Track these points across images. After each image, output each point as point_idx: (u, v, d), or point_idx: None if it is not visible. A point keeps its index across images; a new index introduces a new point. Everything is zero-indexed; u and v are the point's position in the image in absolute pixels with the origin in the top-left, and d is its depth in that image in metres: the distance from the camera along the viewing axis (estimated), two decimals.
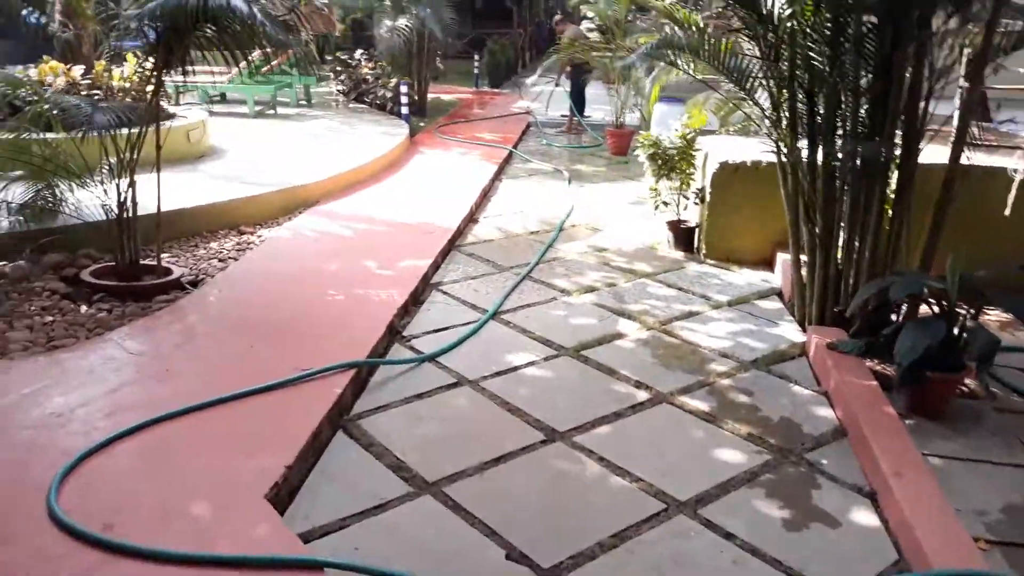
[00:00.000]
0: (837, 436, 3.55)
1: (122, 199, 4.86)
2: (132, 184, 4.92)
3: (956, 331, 3.75)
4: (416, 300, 5.03)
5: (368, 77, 12.37)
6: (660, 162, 6.24)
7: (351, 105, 12.56)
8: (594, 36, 11.35)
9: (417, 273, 5.29)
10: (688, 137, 6.21)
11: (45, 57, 7.74)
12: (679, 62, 4.95)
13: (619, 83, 10.28)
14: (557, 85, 12.15)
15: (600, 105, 12.75)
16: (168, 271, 5.13)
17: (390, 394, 3.79)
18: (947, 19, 4.06)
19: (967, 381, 3.91)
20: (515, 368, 4.13)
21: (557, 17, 13.12)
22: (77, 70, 7.32)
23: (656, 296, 5.27)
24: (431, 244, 5.96)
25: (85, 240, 5.32)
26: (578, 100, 11.91)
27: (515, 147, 10.50)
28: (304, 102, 12.55)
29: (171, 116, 8.02)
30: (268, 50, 5.28)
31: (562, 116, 12.83)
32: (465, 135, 11.09)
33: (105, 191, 4.91)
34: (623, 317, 4.87)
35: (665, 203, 6.36)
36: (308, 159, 8.14)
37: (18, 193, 5.13)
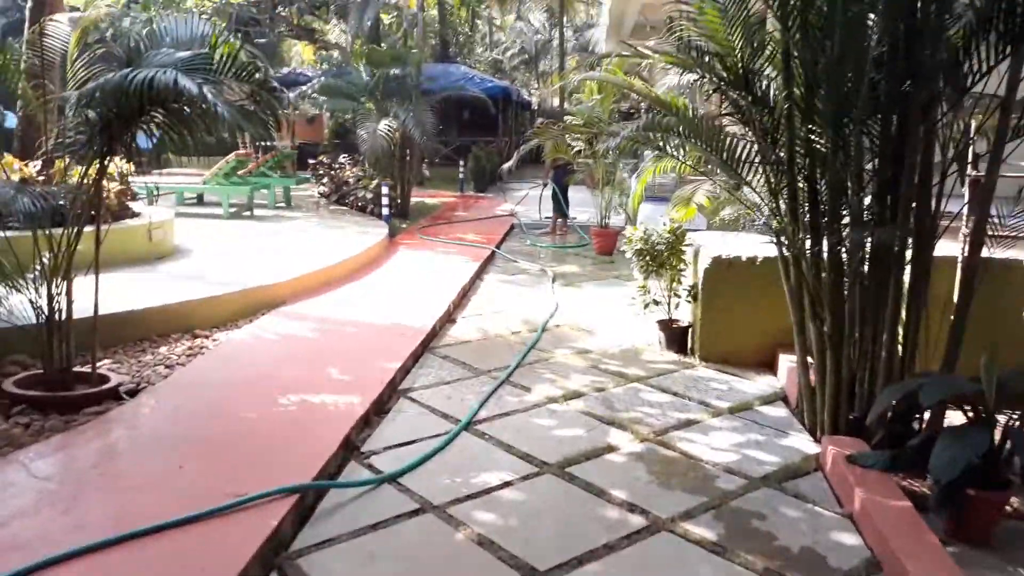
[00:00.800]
0: (871, 570, 2.97)
1: (52, 300, 4.37)
2: (68, 283, 4.44)
3: (997, 441, 3.24)
4: (380, 409, 4.48)
5: (350, 179, 12.17)
6: (649, 258, 5.83)
7: (331, 207, 12.31)
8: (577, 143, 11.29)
9: (383, 378, 4.77)
10: (677, 232, 5.83)
11: (6, 155, 7.41)
12: (668, 147, 4.61)
13: (603, 184, 10.05)
14: (545, 186, 11.90)
15: (584, 207, 12.54)
16: (103, 379, 4.59)
17: (339, 525, 3.20)
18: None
19: (1013, 499, 3.37)
20: (489, 490, 3.56)
21: (540, 121, 13.05)
22: (34, 167, 6.97)
23: (650, 403, 4.74)
24: (402, 346, 5.46)
25: (15, 345, 4.80)
26: (561, 201, 11.68)
27: (498, 247, 10.17)
28: (283, 204, 12.28)
29: (133, 214, 7.65)
30: (234, 137, 4.89)
31: (546, 218, 12.60)
32: (448, 235, 10.77)
33: (37, 291, 4.42)
34: (614, 427, 4.33)
35: (656, 302, 5.92)
36: (279, 259, 7.73)
37: None
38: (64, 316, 4.44)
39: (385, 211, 10.91)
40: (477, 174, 17.68)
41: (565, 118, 24.98)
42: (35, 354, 4.72)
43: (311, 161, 14.05)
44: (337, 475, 3.66)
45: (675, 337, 5.84)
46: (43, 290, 4.40)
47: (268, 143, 12.45)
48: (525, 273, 8.79)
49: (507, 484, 3.62)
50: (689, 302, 5.81)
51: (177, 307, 5.77)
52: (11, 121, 15.90)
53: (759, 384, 5.10)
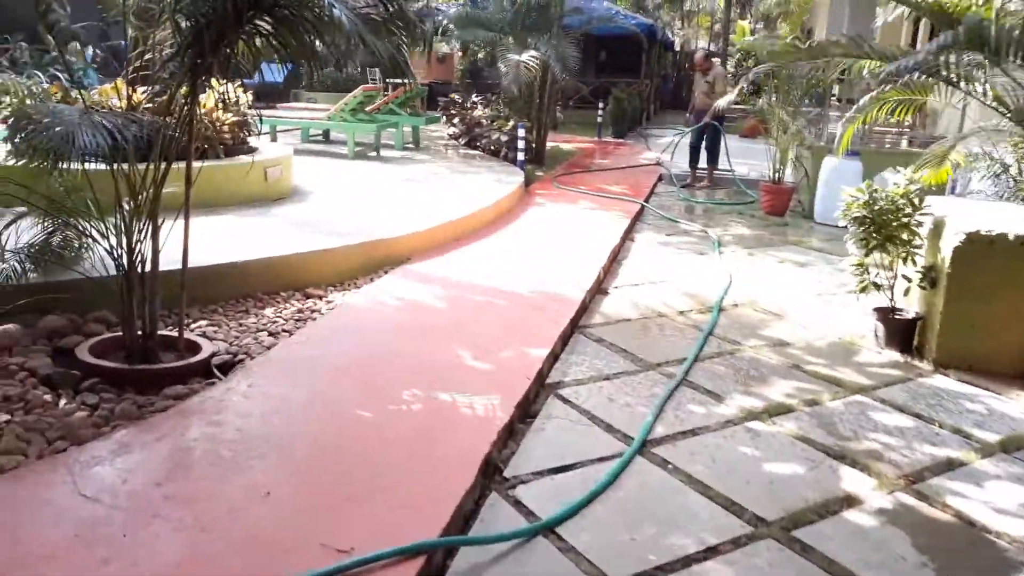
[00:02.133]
0: None
1: (133, 249, 3.55)
2: (153, 227, 3.61)
3: None
4: (525, 413, 3.46)
5: (482, 120, 11.12)
6: (873, 228, 4.49)
7: (462, 150, 11.33)
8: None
9: (529, 370, 3.74)
10: (914, 197, 4.45)
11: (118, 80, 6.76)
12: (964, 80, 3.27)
13: (778, 132, 8.57)
14: (699, 132, 10.37)
15: (742, 159, 11.05)
16: (195, 347, 3.78)
17: None
18: None
19: None
20: (688, 560, 2.48)
21: (700, 53, 11.42)
22: (144, 93, 6.24)
23: (885, 427, 3.51)
24: (547, 324, 4.42)
25: (99, 301, 4.05)
26: (714, 150, 10.21)
27: (647, 201, 8.92)
28: (411, 145, 11.40)
29: (250, 150, 6.88)
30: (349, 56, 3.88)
31: (697, 169, 11.16)
32: (588, 186, 9.59)
33: (117, 238, 3.62)
34: (844, 464, 3.14)
35: (876, 285, 4.59)
36: (405, 207, 6.80)
37: (29, 233, 3.93)
38: (148, 268, 3.62)
39: (520, 156, 9.83)
40: (617, 118, 16.23)
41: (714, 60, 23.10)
42: (119, 312, 3.96)
43: (441, 100, 13.08)
44: (474, 513, 2.67)
45: (898, 331, 4.53)
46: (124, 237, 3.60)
47: (398, 80, 11.55)
48: (684, 234, 7.53)
49: (712, 551, 2.53)
50: (923, 287, 4.46)
51: (287, 260, 4.91)
52: None
53: None
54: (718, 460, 3.12)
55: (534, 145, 11.31)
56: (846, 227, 7.90)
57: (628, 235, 7.19)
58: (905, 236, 4.43)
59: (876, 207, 4.48)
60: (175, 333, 3.84)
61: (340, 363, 3.75)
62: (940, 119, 9.35)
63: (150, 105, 6.06)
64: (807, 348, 4.50)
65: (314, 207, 6.59)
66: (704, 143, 10.01)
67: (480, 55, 18.08)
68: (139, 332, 3.68)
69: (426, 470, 2.78)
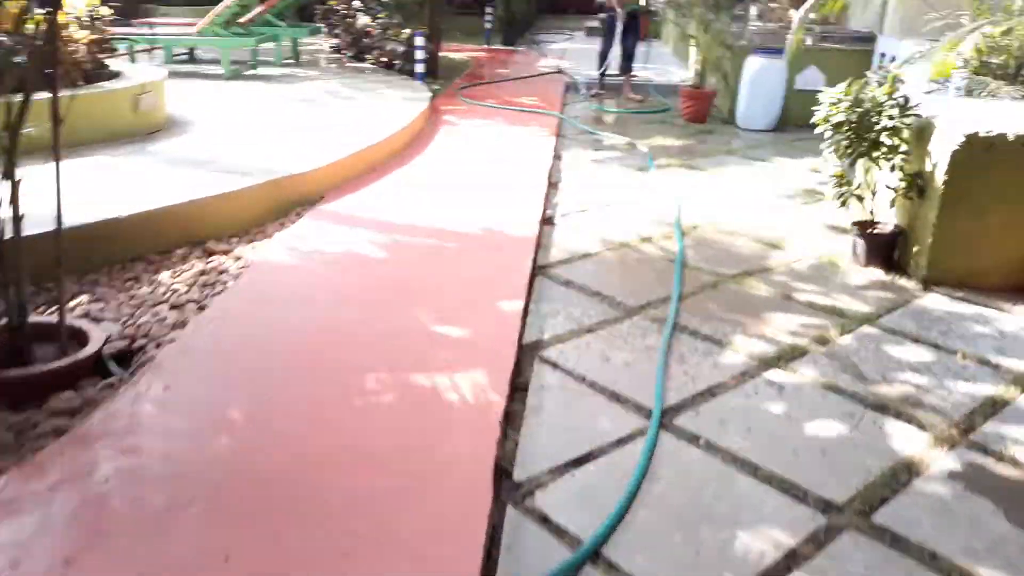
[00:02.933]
0: None
1: None
2: (12, 184, 2.72)
3: None
4: (514, 387, 2.87)
5: (371, 29, 10.04)
6: (854, 134, 4.06)
7: (349, 64, 10.25)
8: None
9: (508, 329, 3.15)
10: (899, 98, 4.03)
11: None
12: None
13: (699, 32, 8.04)
14: (605, 33, 9.58)
15: (643, 64, 10.53)
16: (79, 335, 2.96)
17: None
18: None
19: None
20: (767, 573, 2.00)
21: None
22: None
23: (907, 364, 3.14)
24: (509, 269, 3.81)
25: None
26: (631, 52, 9.53)
27: (561, 113, 8.28)
28: (291, 60, 10.22)
29: (112, 75, 5.76)
30: None
31: (602, 75, 10.54)
32: (496, 99, 8.85)
33: None
34: (888, 416, 2.75)
35: (859, 197, 4.20)
36: (306, 135, 5.90)
37: None
38: (9, 236, 2.75)
39: (419, 68, 8.93)
40: (507, 24, 15.32)
41: None
42: None
43: (319, 7, 11.79)
44: (494, 539, 2.09)
45: (878, 247, 4.17)
46: None
47: None
48: (611, 148, 6.97)
49: (793, 558, 2.06)
50: (909, 198, 4.09)
51: (179, 210, 4.04)
52: None
53: None
54: (754, 428, 2.65)
55: (428, 57, 10.37)
56: (769, 131, 7.58)
57: (556, 154, 6.57)
58: (890, 141, 4.02)
59: (860, 109, 4.03)
60: (51, 318, 3.00)
61: (278, 344, 3.03)
62: (853, 14, 9.06)
63: None
64: (789, 272, 4.08)
65: (198, 140, 5.60)
66: (621, 44, 9.17)
67: None
68: (3, 324, 2.82)
69: (429, 498, 2.16)
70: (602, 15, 9.35)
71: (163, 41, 8.74)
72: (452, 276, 3.77)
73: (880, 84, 4.07)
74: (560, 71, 11.37)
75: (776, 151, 6.94)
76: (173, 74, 8.89)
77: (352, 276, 3.75)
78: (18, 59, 2.94)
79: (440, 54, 11.70)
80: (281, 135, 5.87)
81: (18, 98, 2.66)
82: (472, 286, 3.63)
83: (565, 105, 9.02)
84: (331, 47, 11.37)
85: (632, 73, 9.37)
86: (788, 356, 3.17)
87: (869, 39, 8.14)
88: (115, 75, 5.87)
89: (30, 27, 4.85)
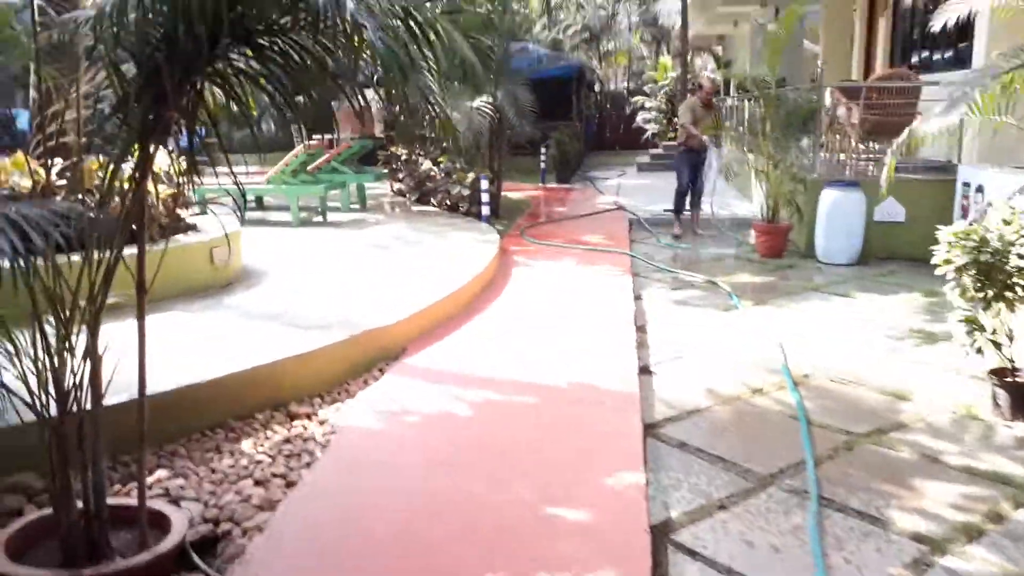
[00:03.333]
0: None
1: (63, 388, 2.44)
2: (94, 359, 2.52)
3: None
4: None
5: (434, 173, 10.18)
6: (984, 276, 3.72)
7: (414, 208, 10.35)
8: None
9: (632, 510, 2.77)
10: None
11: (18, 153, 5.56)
12: None
13: (768, 167, 7.91)
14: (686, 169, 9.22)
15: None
16: (160, 520, 2.66)
17: None
18: None
19: None
20: None
21: (707, 79, 9.51)
22: (55, 167, 5.08)
23: None
24: (615, 428, 3.47)
25: (18, 457, 2.90)
26: (702, 189, 9.33)
27: (630, 251, 8.10)
28: (357, 206, 10.36)
29: (187, 227, 5.75)
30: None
31: (665, 211, 10.44)
32: (562, 238, 8.74)
33: (37, 370, 2.49)
34: None
35: (996, 344, 3.80)
36: (379, 283, 5.76)
37: None
38: (85, 406, 2.51)
39: (485, 211, 8.92)
40: (561, 162, 15.57)
41: (635, 99, 22.69)
42: (47, 474, 2.81)
43: (381, 154, 12.09)
44: None
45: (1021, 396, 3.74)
46: (47, 368, 2.48)
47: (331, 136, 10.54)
48: (691, 287, 6.70)
49: None
50: None
51: (260, 372, 3.81)
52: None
53: None
54: None
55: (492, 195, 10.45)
56: (851, 265, 7.25)
57: (636, 295, 6.31)
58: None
59: (989, 248, 3.70)
60: (130, 500, 2.72)
61: (378, 531, 2.69)
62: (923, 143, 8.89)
63: (63, 182, 4.93)
64: (928, 428, 3.65)
65: (274, 291, 5.48)
66: (692, 183, 9.02)
67: (400, 106, 17.16)
68: (79, 508, 2.54)
69: None
70: (680, 149, 9.16)
71: (234, 191, 8.90)
72: (552, 439, 3.43)
73: (1006, 222, 3.76)
74: (620, 207, 11.33)
75: (863, 286, 6.59)
76: (245, 222, 9.04)
77: (444, 440, 3.43)
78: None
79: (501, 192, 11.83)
80: (356, 284, 5.73)
81: (101, 269, 2.49)
82: (578, 452, 3.28)
83: (632, 242, 8.87)
84: (395, 191, 11.57)
85: (695, 208, 9.18)
86: (962, 537, 2.72)
87: (947, 168, 7.92)
88: (190, 227, 5.86)
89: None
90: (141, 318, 2.60)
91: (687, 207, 9.09)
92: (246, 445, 3.44)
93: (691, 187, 8.90)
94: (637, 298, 6.24)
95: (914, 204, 7.63)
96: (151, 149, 2.47)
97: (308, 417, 3.75)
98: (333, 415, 3.77)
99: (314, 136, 15.22)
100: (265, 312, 4.86)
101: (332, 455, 3.28)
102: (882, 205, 7.71)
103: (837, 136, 9.01)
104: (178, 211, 5.75)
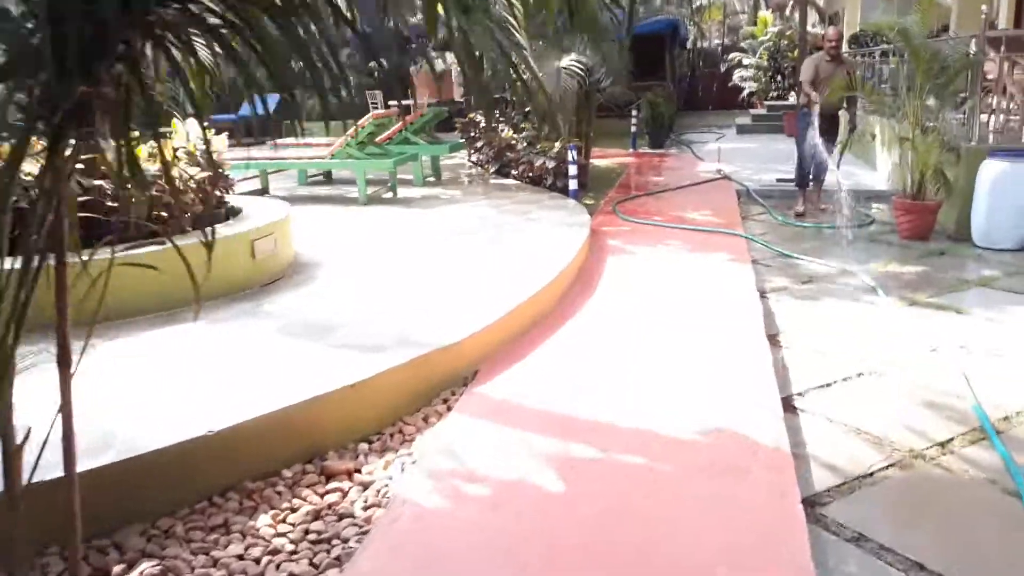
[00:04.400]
0: None
1: None
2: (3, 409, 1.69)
3: None
4: None
5: (515, 142, 9.18)
6: None
7: (493, 180, 9.39)
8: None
9: None
10: None
11: None
12: None
13: (914, 132, 6.58)
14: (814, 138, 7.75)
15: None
16: None
17: None
18: None
19: None
20: None
21: (834, 31, 7.86)
22: None
23: None
24: (769, 517, 2.46)
25: None
26: (823, 158, 7.99)
27: (744, 231, 6.95)
28: (432, 178, 9.47)
29: (229, 212, 4.96)
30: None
31: (779, 180, 9.18)
32: (661, 215, 7.65)
33: None
34: None
35: None
36: (447, 280, 4.85)
37: None
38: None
39: (572, 185, 7.89)
40: (654, 125, 14.28)
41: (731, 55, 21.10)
42: None
43: (459, 121, 11.16)
44: None
45: None
46: None
47: (409, 101, 9.66)
48: (825, 279, 5.55)
49: None
50: None
51: (292, 415, 2.94)
52: None
53: None
54: None
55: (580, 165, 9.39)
56: (1020, 251, 5.90)
57: (758, 289, 5.21)
58: None
59: None
60: None
61: None
62: None
63: None
64: None
65: (325, 293, 4.63)
66: (815, 149, 7.48)
67: (490, 69, 16.02)
68: None
69: None
70: (800, 111, 7.67)
71: (293, 165, 8.13)
72: (682, 533, 2.44)
73: None
74: (725, 176, 10.09)
75: None
76: (307, 198, 8.30)
77: (529, 530, 2.49)
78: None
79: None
80: (420, 280, 4.84)
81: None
82: (720, 546, 2.29)
83: (744, 219, 7.69)
84: (473, 161, 10.63)
85: (818, 180, 7.83)
86: None
87: None
88: (233, 212, 5.07)
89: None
90: (64, 364, 1.74)
91: (811, 179, 7.79)
92: (263, 521, 2.59)
93: (815, 156, 7.58)
94: (762, 295, 5.13)
95: None
96: (62, 134, 1.57)
97: (348, 476, 2.87)
98: (380, 472, 2.89)
99: (390, 103, 14.43)
100: (310, 322, 4.00)
101: (372, 548, 2.39)
102: None
103: (993, 97, 7.55)
104: (218, 194, 4.96)
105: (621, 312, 4.69)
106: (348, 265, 5.31)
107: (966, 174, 6.46)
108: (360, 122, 7.52)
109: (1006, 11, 10.60)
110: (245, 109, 12.66)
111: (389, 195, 8.23)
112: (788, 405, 3.46)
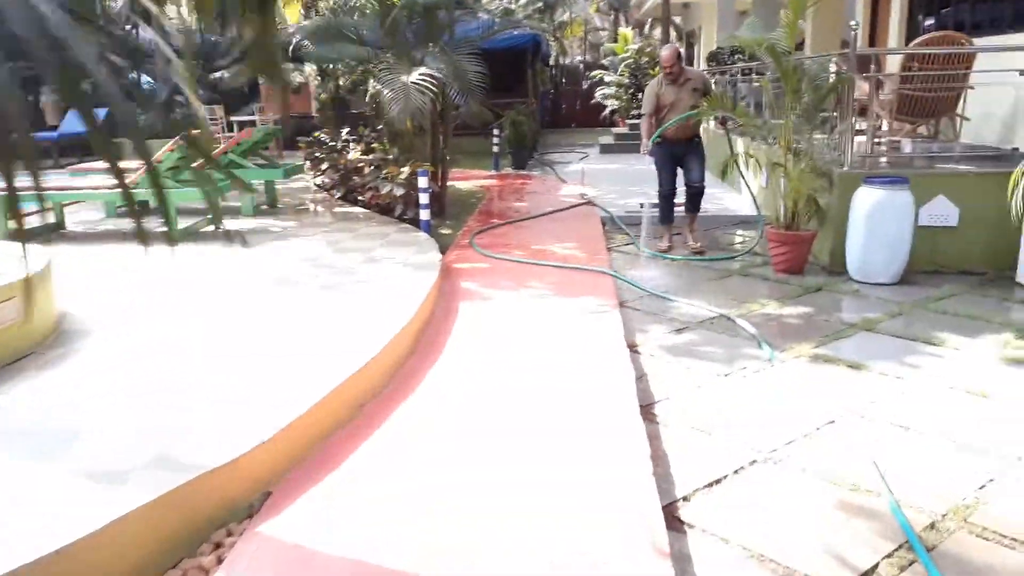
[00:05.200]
0: None
1: None
2: None
3: None
4: None
5: (362, 165, 8.21)
6: None
7: (338, 208, 8.38)
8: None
9: None
10: None
11: None
12: None
13: (786, 157, 6.14)
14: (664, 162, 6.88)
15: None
16: None
17: None
18: None
19: None
20: None
21: (669, 50, 6.83)
22: None
23: None
24: None
25: None
26: (700, 190, 7.01)
27: (611, 268, 6.31)
28: (266, 206, 8.36)
29: None
30: None
31: (643, 206, 8.61)
32: (522, 248, 6.91)
33: None
34: None
35: None
36: (248, 352, 3.86)
37: None
38: None
39: (424, 215, 7.01)
40: (516, 145, 13.64)
41: (594, 73, 20.94)
42: None
43: (301, 140, 10.09)
44: None
45: None
46: None
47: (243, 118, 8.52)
48: (701, 325, 4.93)
49: None
50: None
51: None
52: None
53: None
54: None
55: (435, 191, 8.54)
56: (895, 284, 5.53)
57: (632, 347, 4.51)
58: None
59: None
60: None
61: None
62: (973, 128, 7.24)
63: None
64: None
65: (80, 377, 3.53)
66: (686, 177, 6.92)
67: (343, 80, 14.87)
68: None
69: None
70: (650, 144, 6.80)
71: (89, 196, 6.83)
72: None
73: None
74: (589, 201, 9.52)
75: (939, 323, 4.88)
76: (110, 235, 7.04)
77: None
78: None
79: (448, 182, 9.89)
80: (216, 354, 3.83)
81: None
82: None
83: (609, 250, 7.07)
84: (317, 184, 9.57)
85: (692, 211, 7.11)
86: None
87: (1010, 158, 6.28)
88: None
89: None
90: None
91: (676, 209, 7.19)
92: None
93: (677, 185, 7.01)
94: (632, 348, 4.44)
95: (971, 204, 5.97)
96: None
97: None
98: None
99: (212, 119, 13.01)
100: (42, 428, 2.93)
101: None
102: (930, 205, 6.03)
103: (859, 120, 7.27)
104: None
105: (469, 385, 3.84)
106: (127, 331, 4.21)
107: (840, 202, 6.07)
108: (168, 146, 6.35)
109: (862, 30, 10.61)
110: (71, 123, 10.93)
111: (210, 228, 7.08)
112: (671, 517, 2.72)
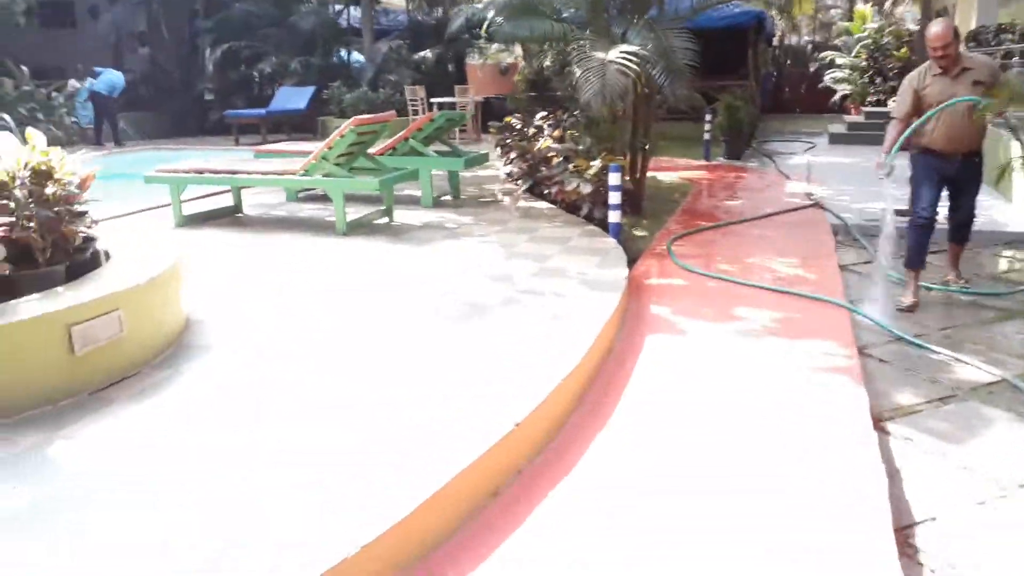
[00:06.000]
0: None
1: None
2: None
3: None
4: None
5: (552, 155, 7.35)
6: None
7: (523, 202, 7.59)
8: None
9: None
10: None
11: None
12: None
13: None
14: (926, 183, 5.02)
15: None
16: None
17: None
18: None
19: None
20: None
21: (940, 27, 4.75)
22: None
23: None
24: None
25: None
26: (970, 216, 5.25)
27: (850, 299, 5.00)
28: (448, 196, 7.75)
29: (85, 266, 3.36)
30: None
31: (897, 213, 6.84)
32: (730, 262, 5.75)
33: None
34: None
35: None
36: (376, 398, 3.10)
37: None
38: None
39: (614, 218, 6.01)
40: (731, 132, 12.20)
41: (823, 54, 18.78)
42: None
43: (492, 125, 9.41)
44: None
45: None
46: None
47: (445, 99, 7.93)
48: (972, 394, 3.58)
49: None
50: None
51: None
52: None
53: None
54: None
55: (631, 186, 7.52)
56: None
57: (880, 426, 3.29)
58: None
59: None
60: None
61: None
62: None
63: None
64: None
65: (175, 413, 2.94)
66: (957, 205, 5.16)
67: (546, 61, 13.97)
68: None
69: None
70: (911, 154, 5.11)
71: (262, 182, 6.48)
72: None
73: None
74: (816, 203, 8.06)
75: None
76: (278, 223, 6.69)
77: None
78: None
79: (647, 173, 8.79)
80: (341, 394, 3.11)
81: None
82: None
83: (842, 268, 5.72)
84: (506, 174, 8.85)
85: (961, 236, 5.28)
86: None
87: None
88: (88, 266, 3.45)
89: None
90: None
91: (932, 245, 5.10)
92: None
93: (937, 212, 5.16)
94: (879, 426, 3.23)
95: None
96: None
97: None
98: None
99: (432, 98, 12.66)
100: (104, 484, 2.31)
101: None
102: None
103: None
104: (82, 231, 3.37)
105: (639, 475, 2.85)
106: (252, 345, 3.61)
107: None
108: (339, 130, 5.83)
109: None
110: (280, 100, 11.13)
111: (384, 221, 6.53)
112: None
